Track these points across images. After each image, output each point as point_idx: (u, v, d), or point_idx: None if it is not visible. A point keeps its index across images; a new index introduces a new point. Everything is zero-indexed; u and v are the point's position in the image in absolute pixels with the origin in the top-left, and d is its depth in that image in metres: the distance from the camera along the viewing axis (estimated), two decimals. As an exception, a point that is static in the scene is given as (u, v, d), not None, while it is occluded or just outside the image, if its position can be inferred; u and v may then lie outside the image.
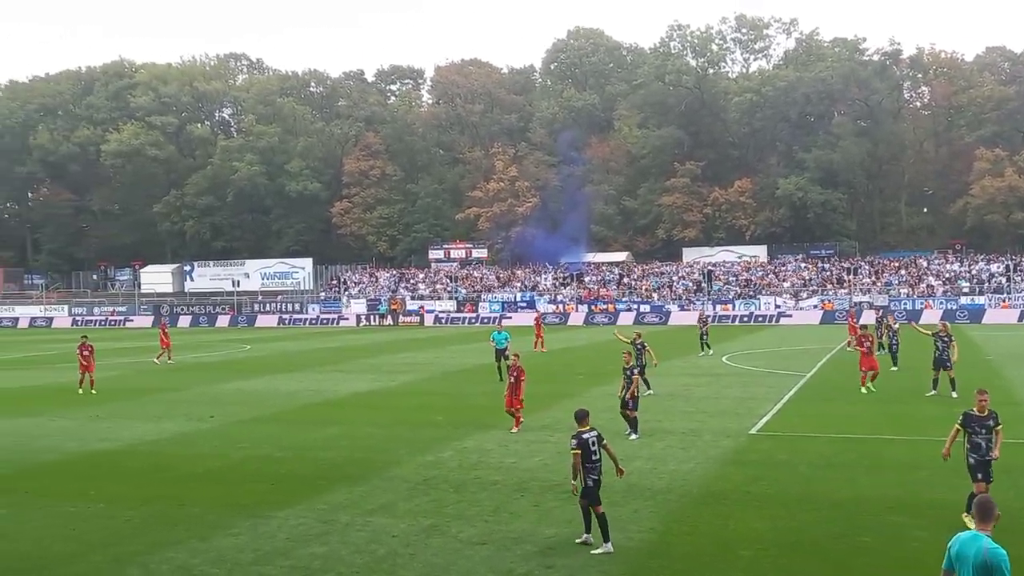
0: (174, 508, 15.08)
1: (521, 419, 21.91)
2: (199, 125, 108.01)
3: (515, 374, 21.99)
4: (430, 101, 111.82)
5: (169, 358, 42.58)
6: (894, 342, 34.46)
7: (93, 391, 30.40)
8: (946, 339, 26.18)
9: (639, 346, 28.48)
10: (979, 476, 13.26)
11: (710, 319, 47.72)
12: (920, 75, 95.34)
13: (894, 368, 33.19)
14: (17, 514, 14.86)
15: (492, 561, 12.06)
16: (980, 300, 69.97)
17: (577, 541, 12.64)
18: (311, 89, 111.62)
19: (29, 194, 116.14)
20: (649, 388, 27.56)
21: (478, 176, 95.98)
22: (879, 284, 75.77)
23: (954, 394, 25.29)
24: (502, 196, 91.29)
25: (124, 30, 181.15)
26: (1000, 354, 39.45)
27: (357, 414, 25.50)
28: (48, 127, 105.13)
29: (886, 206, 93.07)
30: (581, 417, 13.24)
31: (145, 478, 17.40)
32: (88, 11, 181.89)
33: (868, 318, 56.99)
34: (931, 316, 59.77)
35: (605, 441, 13.01)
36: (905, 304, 68.93)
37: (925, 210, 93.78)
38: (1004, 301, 69.27)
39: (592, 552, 12.39)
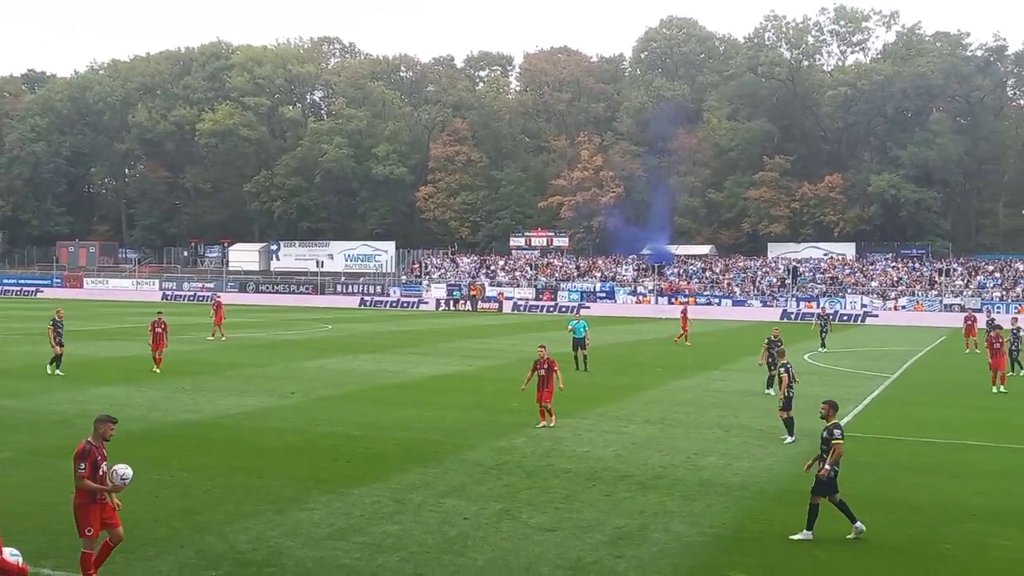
0: (254, 480, 15.46)
1: (551, 413, 20.75)
2: (291, 107, 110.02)
3: (545, 366, 20.84)
4: (518, 88, 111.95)
5: (213, 334, 42.88)
6: (1014, 347, 33.64)
7: (157, 370, 29.49)
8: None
9: (775, 344, 26.82)
10: None
11: (831, 317, 45.14)
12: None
13: (1011, 373, 32.47)
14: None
15: (561, 548, 12.10)
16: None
17: (849, 536, 12.65)
18: (401, 74, 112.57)
19: (126, 170, 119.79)
20: (770, 387, 26.12)
21: (562, 165, 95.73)
22: (972, 287, 73.48)
23: None
24: (586, 185, 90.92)
25: (222, 11, 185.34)
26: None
27: (433, 397, 25.73)
28: (147, 105, 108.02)
29: (983, 207, 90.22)
30: (836, 408, 13.52)
31: (227, 450, 17.85)
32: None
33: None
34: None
35: None
36: (998, 308, 66.54)
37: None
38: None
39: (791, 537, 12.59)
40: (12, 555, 7.90)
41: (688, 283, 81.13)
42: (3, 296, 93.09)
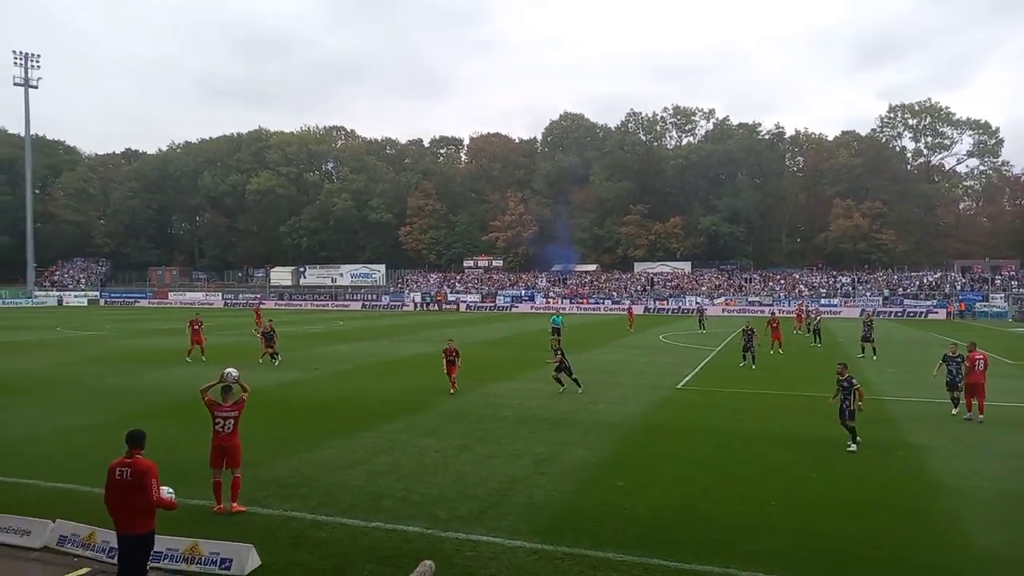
0: (290, 430, 15.19)
1: (455, 384, 19.80)
2: (312, 173, 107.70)
3: (452, 355, 19.79)
4: (466, 160, 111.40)
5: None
6: (817, 327, 36.04)
7: (203, 358, 26.96)
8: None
9: (748, 332, 25.51)
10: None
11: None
12: (797, 148, 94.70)
13: (815, 344, 34.08)
14: (185, 433, 14.99)
15: (502, 469, 12.14)
16: (834, 301, 69.55)
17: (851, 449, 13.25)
18: (387, 151, 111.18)
19: (196, 218, 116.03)
20: (754, 363, 24.84)
21: (497, 211, 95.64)
22: (766, 289, 75.37)
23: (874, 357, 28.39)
24: (513, 225, 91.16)
25: (263, 108, 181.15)
26: (847, 337, 39.29)
27: (413, 369, 25.49)
28: (211, 173, 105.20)
29: (772, 236, 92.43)
30: (847, 366, 13.78)
31: (272, 410, 17.47)
32: (240, 94, 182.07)
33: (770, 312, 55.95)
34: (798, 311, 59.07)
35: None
36: (782, 303, 68.40)
37: (798, 240, 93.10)
38: (850, 302, 68.84)
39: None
40: (168, 492, 7.07)
41: (582, 289, 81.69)
42: (109, 305, 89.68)
